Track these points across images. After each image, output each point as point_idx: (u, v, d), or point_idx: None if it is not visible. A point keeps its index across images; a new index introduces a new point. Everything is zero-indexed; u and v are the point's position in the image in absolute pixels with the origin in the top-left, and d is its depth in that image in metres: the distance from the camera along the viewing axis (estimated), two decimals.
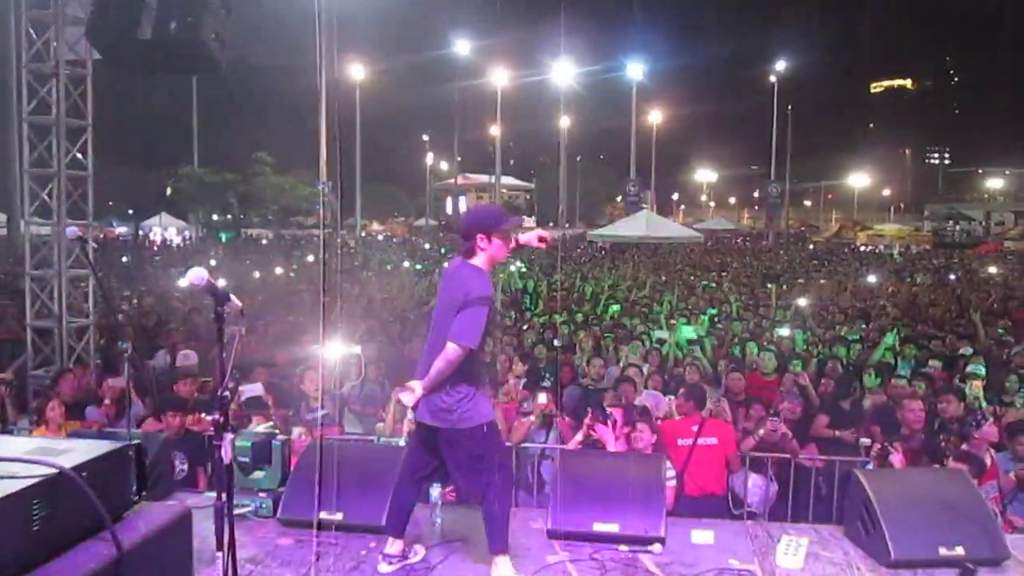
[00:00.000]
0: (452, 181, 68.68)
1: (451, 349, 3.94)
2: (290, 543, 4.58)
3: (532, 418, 6.46)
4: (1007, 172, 76.61)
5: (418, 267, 23.35)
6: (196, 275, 2.68)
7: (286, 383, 7.87)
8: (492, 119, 54.90)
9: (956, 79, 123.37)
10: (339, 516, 4.65)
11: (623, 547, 4.47)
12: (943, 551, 4.18)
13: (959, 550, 4.18)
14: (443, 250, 31.17)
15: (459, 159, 66.38)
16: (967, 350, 9.81)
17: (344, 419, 7.28)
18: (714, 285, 18.90)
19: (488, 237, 4.14)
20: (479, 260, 4.16)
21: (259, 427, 5.47)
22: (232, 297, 2.81)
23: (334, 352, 7.17)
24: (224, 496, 2.75)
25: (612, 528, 4.54)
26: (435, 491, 5.06)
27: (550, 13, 53.19)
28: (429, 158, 66.60)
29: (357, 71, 46.35)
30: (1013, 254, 38.07)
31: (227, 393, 2.74)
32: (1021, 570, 4.23)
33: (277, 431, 5.42)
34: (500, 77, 51.79)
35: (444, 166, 71.90)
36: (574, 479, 4.78)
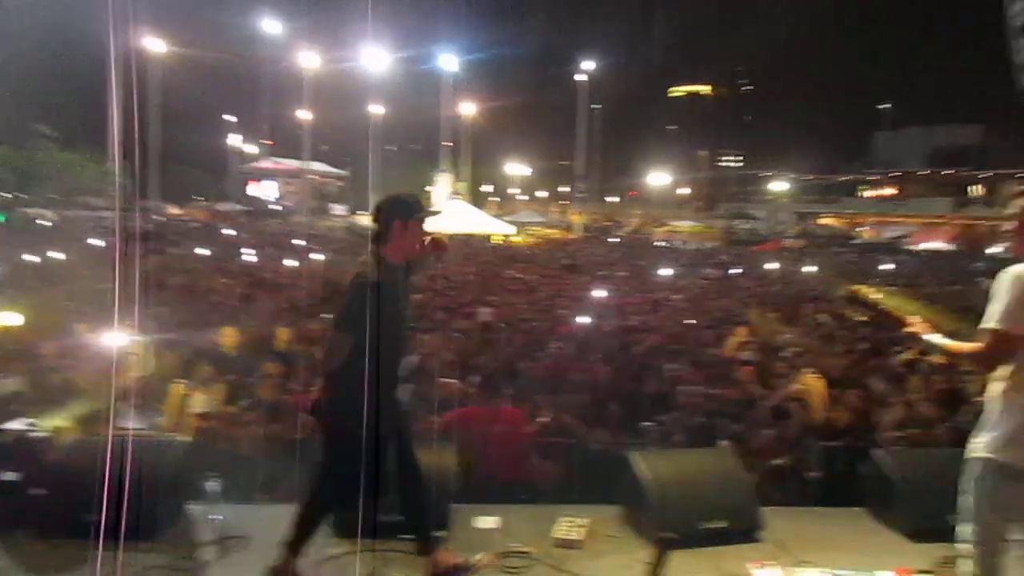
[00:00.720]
0: (259, 164, 66.30)
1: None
2: (47, 549, 4.22)
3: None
4: (791, 176, 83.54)
5: None
6: None
7: (54, 376, 7.25)
8: (304, 103, 53.40)
9: (749, 88, 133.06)
10: (104, 518, 4.31)
11: (408, 536, 4.45)
12: (706, 525, 4.48)
13: (721, 523, 4.50)
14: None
15: (268, 142, 64.15)
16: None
17: (121, 413, 6.80)
18: (520, 276, 19.33)
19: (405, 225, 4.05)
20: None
21: (13, 423, 5.01)
22: None
23: (116, 341, 6.71)
24: None
25: (398, 519, 4.50)
26: (215, 485, 4.83)
27: None
28: (235, 140, 63.71)
29: (156, 44, 43.56)
30: (791, 251, 41.50)
31: None
32: (773, 537, 4.61)
33: (36, 427, 4.99)
34: (310, 60, 50.42)
35: (252, 150, 69.14)
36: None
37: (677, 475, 4.72)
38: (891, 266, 29.80)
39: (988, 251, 37.96)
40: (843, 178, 79.86)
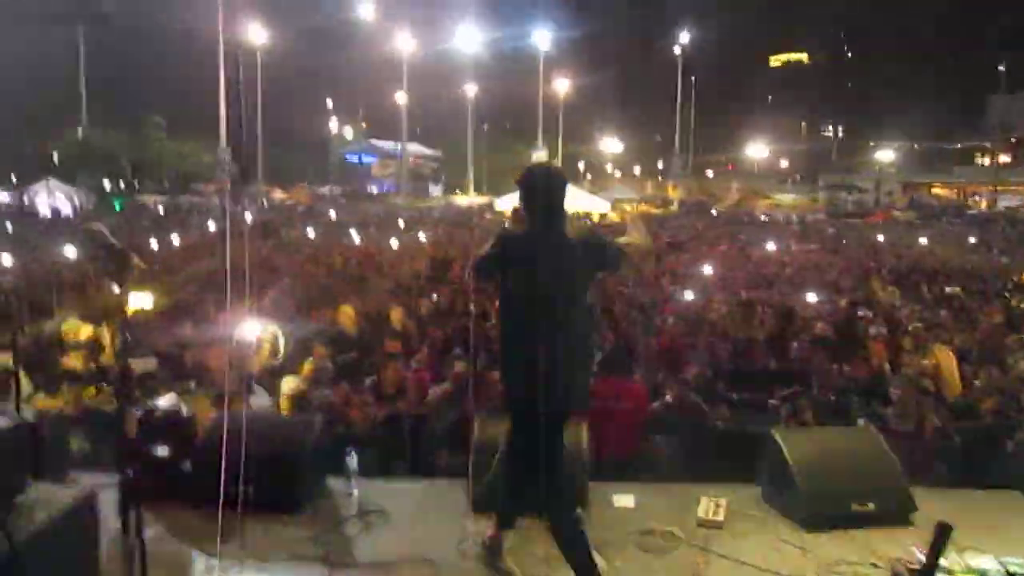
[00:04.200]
0: (358, 147, 67.46)
1: None
2: (197, 521, 4.36)
3: (447, 385, 6.37)
4: (896, 145, 79.98)
5: None
6: (95, 227, 2.45)
7: (188, 356, 7.53)
8: (398, 86, 54.01)
9: (849, 55, 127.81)
10: (249, 491, 4.45)
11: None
12: (855, 507, 4.30)
13: (870, 505, 4.30)
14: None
15: (365, 125, 65.19)
16: (865, 313, 10.20)
17: (251, 393, 7.01)
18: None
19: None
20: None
21: (162, 400, 5.19)
22: (134, 257, 2.59)
23: (251, 330, 6.90)
24: (129, 474, 2.55)
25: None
26: (352, 461, 4.92)
27: None
28: (334, 124, 65.00)
29: (258, 34, 44.71)
30: (901, 224, 39.82)
31: (129, 366, 2.53)
32: (926, 521, 4.38)
33: (180, 405, 5.16)
34: (405, 43, 50.90)
35: (349, 133, 70.42)
36: (492, 448, 4.67)
37: (821, 454, 4.54)
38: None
39: None
40: (955, 145, 76.02)
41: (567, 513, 3.77)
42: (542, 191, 3.74)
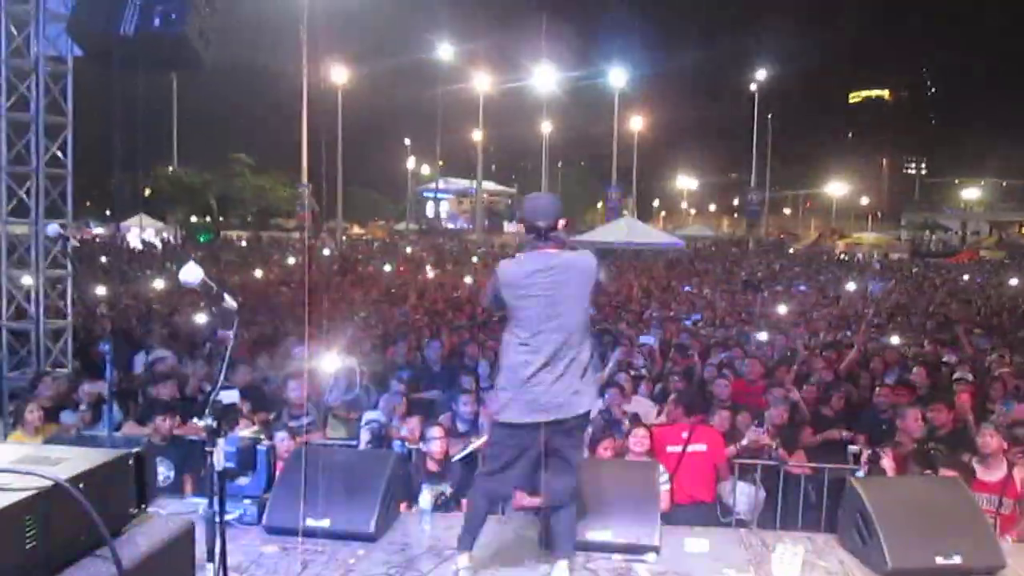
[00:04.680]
0: (434, 185, 68.56)
1: None
2: (275, 551, 4.48)
3: None
4: (982, 182, 77.49)
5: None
6: (190, 272, 2.59)
7: (267, 387, 7.75)
8: (473, 123, 54.81)
9: (933, 90, 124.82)
10: (326, 523, 4.55)
11: (617, 556, 4.41)
12: (940, 560, 4.15)
13: (956, 559, 4.15)
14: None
15: (441, 163, 66.27)
16: (950, 358, 9.86)
17: (328, 425, 7.17)
18: (696, 291, 18.95)
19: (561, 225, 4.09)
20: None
21: (243, 432, 5.35)
22: (227, 297, 2.72)
23: (329, 363, 7.09)
24: (216, 504, 2.65)
25: (605, 536, 4.48)
26: (425, 496, 4.98)
27: (532, 18, 53.28)
28: (410, 162, 66.28)
29: (339, 74, 46.10)
30: (989, 263, 38.46)
31: (220, 398, 2.65)
32: None
33: (262, 436, 5.31)
34: (482, 82, 51.72)
35: (425, 170, 71.66)
36: None
37: (904, 504, 4.40)
38: None
39: None
40: None
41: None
42: (532, 216, 4.00)
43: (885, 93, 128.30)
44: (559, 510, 4.12)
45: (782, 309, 14.08)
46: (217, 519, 2.71)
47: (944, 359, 9.83)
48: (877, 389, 7.83)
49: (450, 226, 62.80)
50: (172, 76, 44.05)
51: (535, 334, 3.89)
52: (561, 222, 4.03)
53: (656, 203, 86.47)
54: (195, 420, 5.50)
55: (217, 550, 2.71)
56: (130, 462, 2.58)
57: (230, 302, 2.77)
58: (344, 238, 46.78)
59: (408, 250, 36.35)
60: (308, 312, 12.82)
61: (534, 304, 3.89)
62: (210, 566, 2.80)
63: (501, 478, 4.11)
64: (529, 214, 4.02)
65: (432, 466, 5.60)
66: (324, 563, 4.31)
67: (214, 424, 2.64)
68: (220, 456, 2.67)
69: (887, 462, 5.75)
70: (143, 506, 2.64)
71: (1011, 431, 5.89)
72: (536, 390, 3.85)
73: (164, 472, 5.85)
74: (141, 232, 42.02)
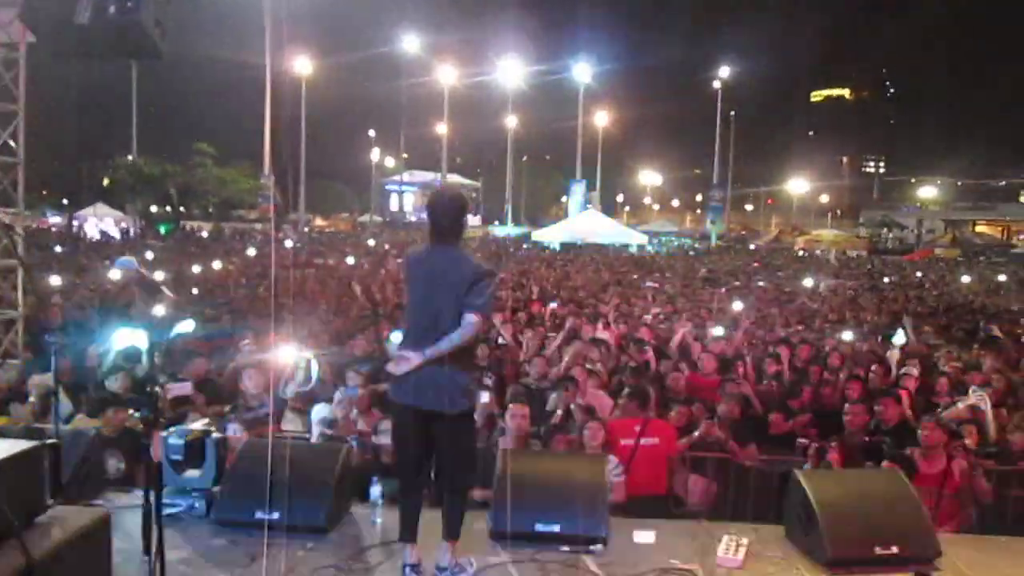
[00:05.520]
0: (398, 178, 68.28)
1: (474, 321, 4.00)
2: (224, 544, 4.45)
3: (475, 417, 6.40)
4: (939, 181, 78.92)
5: None
6: (124, 263, 2.55)
7: (221, 379, 7.66)
8: (439, 116, 54.68)
9: (892, 90, 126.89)
10: (276, 516, 4.52)
11: (565, 548, 4.44)
12: (878, 550, 4.24)
13: (894, 549, 4.24)
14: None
15: (405, 156, 66.01)
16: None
17: (284, 417, 7.11)
18: (657, 286, 19.08)
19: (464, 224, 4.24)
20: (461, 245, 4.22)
21: (194, 424, 5.30)
22: (164, 289, 2.68)
23: (286, 355, 7.02)
24: (152, 496, 2.63)
25: (554, 528, 4.51)
26: (375, 490, 4.97)
27: (498, 12, 53.25)
28: (375, 154, 65.91)
29: (303, 65, 45.65)
30: (943, 261, 39.22)
31: (157, 389, 2.62)
32: (953, 567, 4.31)
33: (212, 429, 5.26)
34: (447, 74, 51.58)
35: (390, 162, 71.32)
36: (517, 479, 4.73)
37: (846, 496, 4.50)
38: None
39: None
40: (1000, 182, 74.79)
41: (453, 495, 4.22)
42: (435, 212, 4.20)
43: (846, 92, 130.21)
44: (455, 500, 4.22)
45: (738, 305, 14.23)
46: (154, 511, 2.68)
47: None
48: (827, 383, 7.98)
49: (414, 219, 62.54)
50: (132, 65, 43.41)
51: (413, 323, 4.17)
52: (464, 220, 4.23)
53: (620, 198, 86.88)
54: (131, 412, 5.45)
55: (154, 542, 2.69)
56: (44, 453, 2.55)
57: (167, 294, 2.74)
58: (307, 230, 46.44)
59: (371, 242, 36.17)
60: (268, 304, 12.74)
61: (415, 290, 4.20)
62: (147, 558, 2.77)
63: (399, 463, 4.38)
64: (432, 210, 4.22)
65: (386, 459, 5.58)
66: (273, 556, 4.28)
67: (151, 415, 2.61)
68: (158, 448, 2.64)
69: (834, 455, 5.88)
70: (57, 497, 2.60)
71: (948, 424, 6.06)
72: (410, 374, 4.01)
73: (115, 465, 5.76)
74: (99, 222, 41.32)
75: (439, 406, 4.01)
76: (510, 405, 6.03)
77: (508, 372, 8.44)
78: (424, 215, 4.41)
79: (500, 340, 9.56)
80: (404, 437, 4.25)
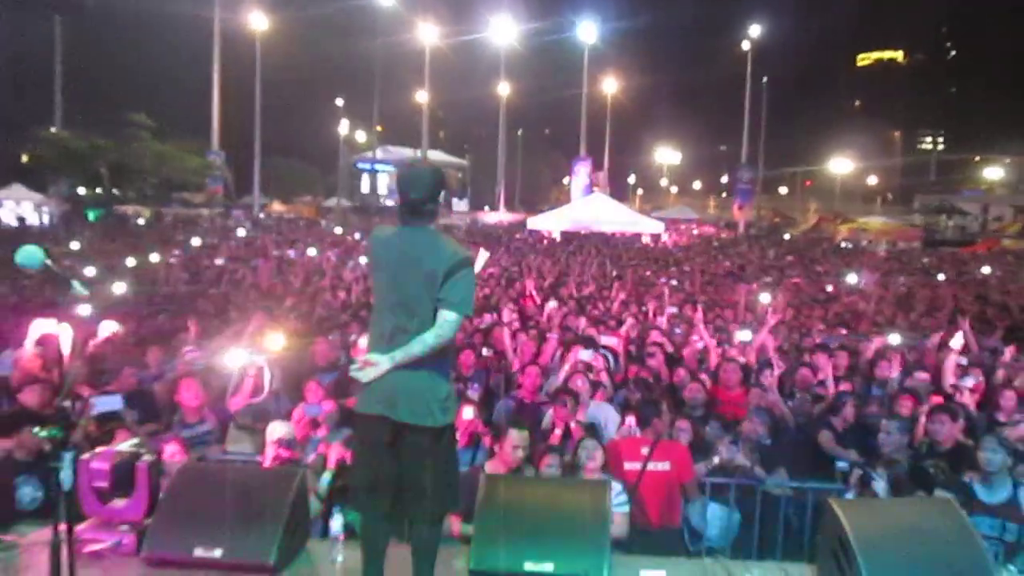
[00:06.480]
0: (370, 155, 68.15)
1: (452, 320, 3.99)
2: None
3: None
4: (1007, 161, 79.11)
5: None
6: (29, 254, 2.52)
7: (159, 393, 7.64)
8: (419, 82, 54.59)
9: (953, 53, 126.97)
10: (217, 553, 4.50)
11: None
12: None
13: None
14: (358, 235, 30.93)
15: (379, 129, 65.86)
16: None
17: (228, 436, 7.10)
18: (675, 282, 19.10)
19: (440, 201, 4.21)
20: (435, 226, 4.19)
21: (122, 445, 5.28)
22: (75, 285, 2.66)
23: (232, 361, 7.00)
24: (61, 530, 2.61)
25: (546, 568, 4.50)
26: (336, 523, 4.96)
27: None
28: (343, 127, 65.81)
29: (258, 19, 45.54)
30: (1011, 254, 39.31)
31: (67, 403, 2.60)
32: None
33: (143, 451, 5.24)
34: (429, 33, 51.41)
35: (361, 137, 71.26)
36: (503, 509, 4.72)
37: (890, 530, 4.49)
38: None
39: None
40: None
41: (428, 526, 4.19)
42: (405, 185, 4.17)
43: (898, 55, 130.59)
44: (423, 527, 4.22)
45: (765, 298, 14.31)
46: (64, 548, 2.66)
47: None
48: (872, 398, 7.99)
49: (389, 203, 62.48)
50: (55, 20, 43.30)
51: (380, 318, 4.16)
52: (440, 197, 4.19)
53: (632, 179, 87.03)
54: (36, 431, 5.41)
55: None
56: None
57: (79, 289, 2.72)
58: (262, 216, 46.36)
59: (338, 230, 36.13)
60: (214, 303, 12.73)
61: (382, 278, 4.18)
62: None
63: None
64: (402, 184, 4.17)
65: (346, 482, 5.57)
66: None
67: (58, 434, 2.59)
68: (68, 473, 2.62)
69: (881, 485, 5.82)
70: None
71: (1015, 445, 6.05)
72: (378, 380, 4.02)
73: (31, 493, 5.74)
74: (16, 206, 41.17)
75: (413, 419, 3.99)
76: (510, 431, 5.80)
77: (497, 383, 8.45)
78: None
79: (484, 349, 9.56)
80: (369, 455, 4.18)
